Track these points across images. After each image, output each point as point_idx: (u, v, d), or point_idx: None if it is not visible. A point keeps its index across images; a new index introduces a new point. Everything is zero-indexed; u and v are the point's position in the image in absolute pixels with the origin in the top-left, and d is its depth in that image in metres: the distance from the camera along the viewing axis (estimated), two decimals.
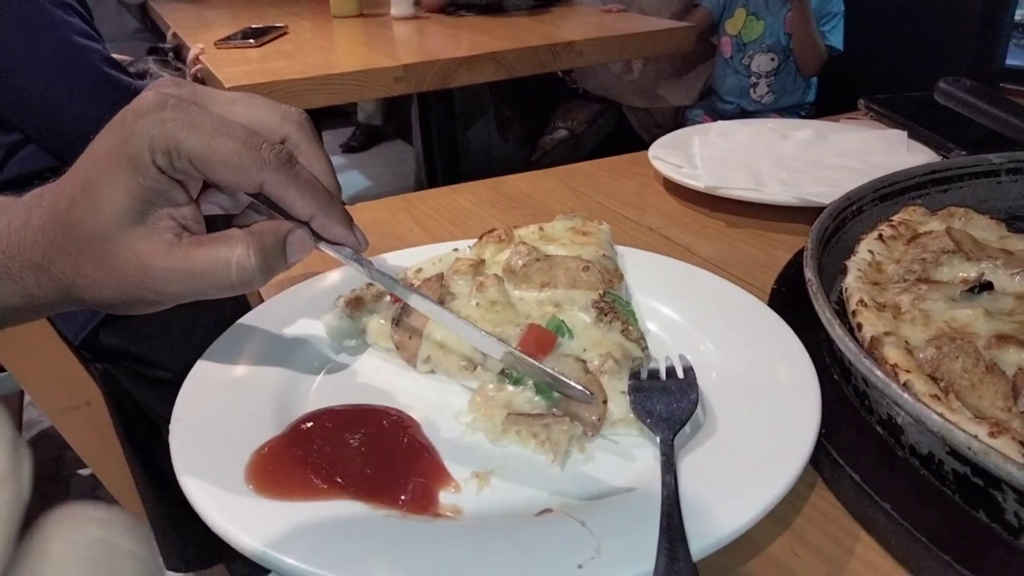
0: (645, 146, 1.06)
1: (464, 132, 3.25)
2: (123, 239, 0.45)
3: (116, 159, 0.44)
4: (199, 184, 0.48)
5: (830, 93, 2.78)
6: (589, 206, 0.96)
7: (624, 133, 3.21)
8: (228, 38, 2.04)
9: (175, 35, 1.88)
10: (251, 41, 2.01)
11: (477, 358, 0.58)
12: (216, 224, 0.50)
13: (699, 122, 2.74)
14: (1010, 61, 2.57)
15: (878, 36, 2.70)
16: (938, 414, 0.43)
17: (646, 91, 3.08)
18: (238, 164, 0.44)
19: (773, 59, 2.68)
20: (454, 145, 2.64)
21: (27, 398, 2.10)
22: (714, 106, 2.87)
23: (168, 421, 0.52)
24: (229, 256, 0.46)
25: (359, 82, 1.72)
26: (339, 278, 0.70)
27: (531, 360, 0.52)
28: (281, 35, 2.16)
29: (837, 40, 2.62)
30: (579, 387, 0.49)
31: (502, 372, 0.56)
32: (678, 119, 3.01)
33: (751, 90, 2.74)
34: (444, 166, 2.68)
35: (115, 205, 0.44)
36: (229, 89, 1.25)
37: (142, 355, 1.46)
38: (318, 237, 0.50)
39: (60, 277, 0.47)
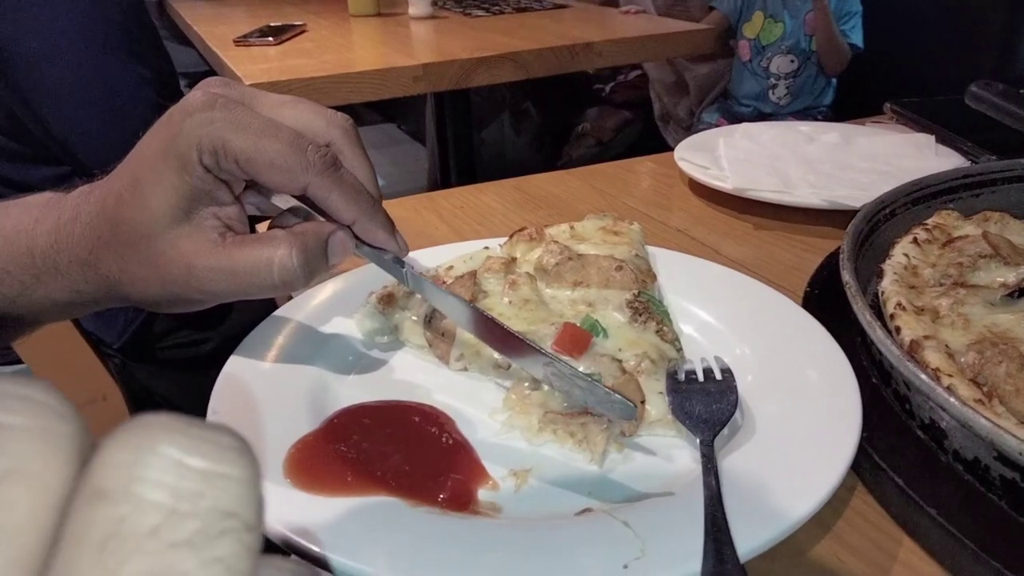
0: (671, 150, 1.05)
1: (479, 133, 3.25)
2: (168, 237, 0.45)
3: (164, 157, 0.44)
4: (243, 184, 0.48)
5: (846, 96, 2.77)
6: (614, 206, 0.96)
7: (650, 142, 3.20)
8: (247, 36, 2.04)
9: None
10: (270, 39, 2.01)
11: None
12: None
13: (715, 124, 2.73)
14: None
15: (895, 40, 2.69)
16: (986, 419, 0.42)
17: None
18: (284, 166, 0.45)
19: (793, 61, 2.67)
20: (470, 145, 2.63)
21: None
22: (730, 109, 2.86)
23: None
24: (272, 256, 0.46)
25: (378, 81, 1.72)
26: (370, 274, 0.69)
27: (573, 372, 0.50)
28: (300, 33, 2.16)
29: (858, 38, 2.62)
30: (620, 399, 0.48)
31: None
32: (694, 121, 3.00)
33: (770, 92, 2.74)
34: (459, 167, 2.68)
35: (162, 203, 0.45)
36: (249, 87, 1.25)
37: (187, 333, 1.46)
38: (359, 241, 0.50)
39: (106, 273, 0.47)
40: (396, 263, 0.52)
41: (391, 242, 0.51)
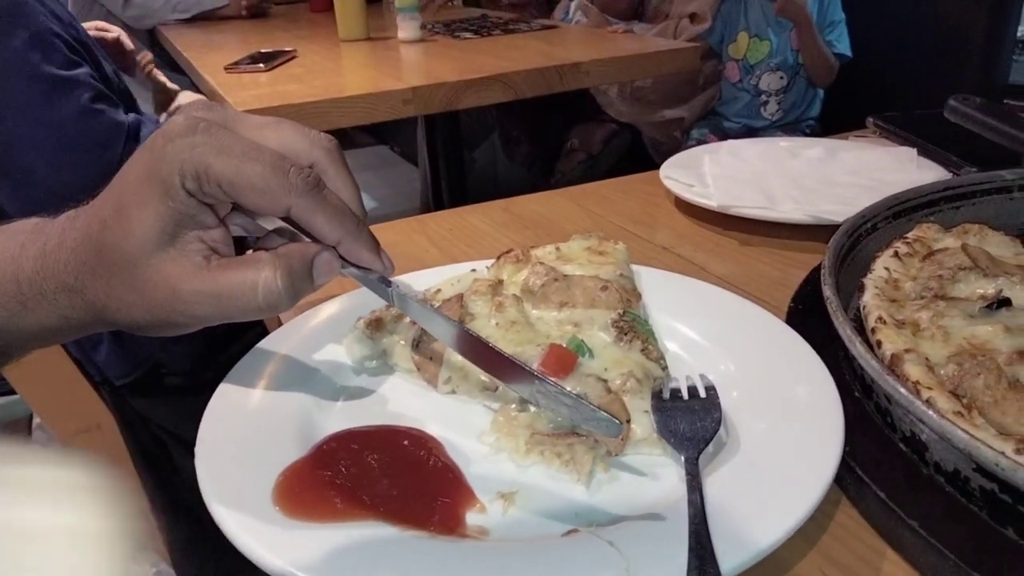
0: (659, 165, 1.06)
1: (470, 153, 3.27)
2: (153, 262, 0.46)
3: (147, 183, 0.45)
4: (228, 207, 0.48)
5: (833, 109, 2.80)
6: (601, 225, 0.97)
7: (639, 152, 3.23)
8: (237, 63, 2.05)
9: None
10: (260, 65, 2.03)
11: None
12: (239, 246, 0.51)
13: (705, 141, 2.75)
14: (1013, 78, 2.58)
15: (881, 52, 2.72)
16: (964, 431, 0.43)
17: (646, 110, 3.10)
18: (266, 188, 0.45)
19: (782, 77, 2.69)
20: (461, 166, 2.64)
21: (36, 421, 2.10)
22: (720, 125, 2.89)
23: (182, 441, 0.53)
24: (256, 278, 0.47)
25: (369, 105, 1.74)
26: (358, 300, 0.70)
27: (559, 390, 0.50)
28: (290, 59, 2.18)
29: (844, 47, 2.63)
30: (606, 416, 0.48)
31: None
32: (683, 138, 3.03)
33: (761, 108, 2.76)
34: (450, 187, 2.69)
35: (146, 228, 0.45)
36: (232, 109, 1.25)
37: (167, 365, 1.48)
38: (345, 262, 0.51)
39: (92, 299, 0.48)
40: (382, 283, 0.52)
41: (376, 262, 0.51)
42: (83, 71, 1.34)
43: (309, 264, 0.49)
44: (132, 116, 1.43)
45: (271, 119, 0.50)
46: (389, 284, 0.53)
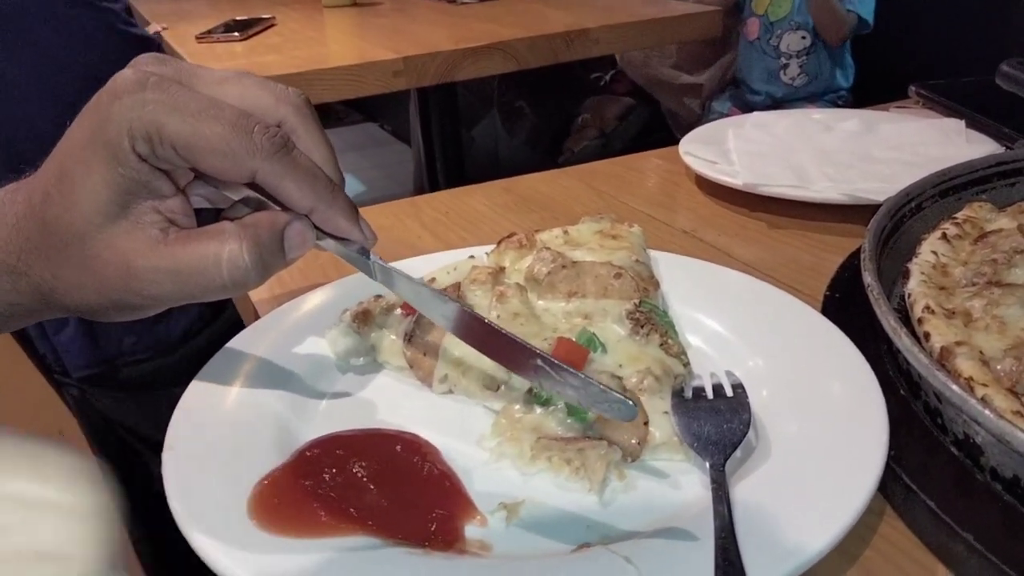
0: (677, 143, 1.05)
1: (468, 131, 3.26)
2: (103, 236, 0.45)
3: (92, 147, 0.44)
4: (188, 174, 0.47)
5: (868, 79, 2.78)
6: (614, 207, 0.96)
7: (657, 130, 3.21)
8: (210, 31, 2.05)
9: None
10: (235, 34, 2.02)
11: (500, 376, 0.57)
12: (208, 220, 0.50)
13: (727, 114, 2.74)
14: None
15: (922, 13, 2.70)
16: None
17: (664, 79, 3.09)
18: (227, 151, 0.44)
19: (804, 37, 2.68)
20: (458, 145, 2.64)
21: None
22: (743, 97, 2.87)
23: (150, 443, 0.52)
24: (220, 252, 0.45)
25: (355, 77, 1.73)
26: (344, 290, 0.69)
27: (564, 368, 0.48)
28: (268, 27, 2.18)
29: (866, 10, 2.60)
30: (619, 396, 0.47)
31: (529, 391, 0.55)
32: (703, 111, 3.01)
33: (781, 72, 2.74)
34: (446, 168, 2.68)
35: (93, 199, 0.44)
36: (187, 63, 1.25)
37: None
38: (320, 232, 0.49)
39: (38, 281, 0.47)
40: (362, 255, 0.51)
41: (354, 230, 0.50)
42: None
43: (279, 235, 0.47)
44: None
45: (232, 72, 0.48)
46: (369, 256, 0.51)
